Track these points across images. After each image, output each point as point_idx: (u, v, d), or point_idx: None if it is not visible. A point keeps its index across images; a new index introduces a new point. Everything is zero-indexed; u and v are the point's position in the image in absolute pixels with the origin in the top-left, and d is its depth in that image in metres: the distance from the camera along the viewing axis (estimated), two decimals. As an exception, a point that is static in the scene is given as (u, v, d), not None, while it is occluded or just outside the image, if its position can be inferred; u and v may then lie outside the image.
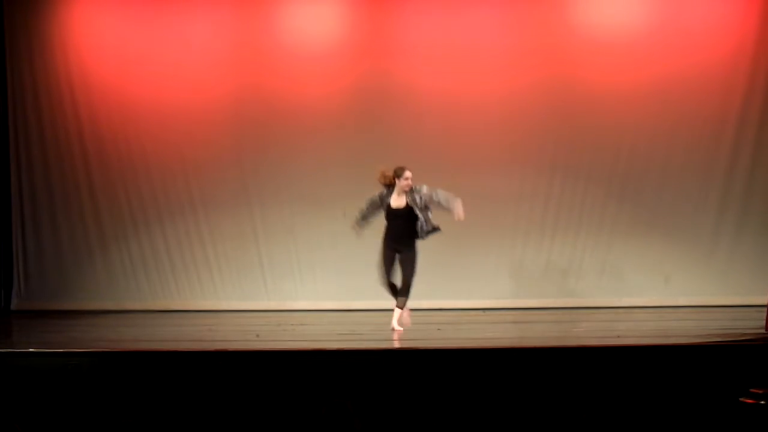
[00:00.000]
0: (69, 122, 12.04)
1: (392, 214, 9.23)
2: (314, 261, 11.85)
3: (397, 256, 9.27)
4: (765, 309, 8.88)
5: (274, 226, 11.93)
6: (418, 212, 9.11)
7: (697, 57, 11.45)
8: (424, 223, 9.12)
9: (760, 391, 6.68)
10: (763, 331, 8.76)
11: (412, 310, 11.26)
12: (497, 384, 7.41)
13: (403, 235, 9.19)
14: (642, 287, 11.54)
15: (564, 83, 11.55)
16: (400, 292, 9.30)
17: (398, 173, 9.21)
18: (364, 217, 9.46)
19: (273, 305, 11.81)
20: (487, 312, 10.78)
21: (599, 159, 11.63)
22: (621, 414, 6.94)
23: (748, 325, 9.24)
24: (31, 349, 8.23)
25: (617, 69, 11.53)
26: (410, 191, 9.19)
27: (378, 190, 9.46)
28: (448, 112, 11.65)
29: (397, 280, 9.37)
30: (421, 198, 9.14)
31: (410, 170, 9.28)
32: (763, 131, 11.45)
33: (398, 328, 9.29)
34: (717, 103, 11.46)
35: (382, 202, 9.34)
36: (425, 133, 11.67)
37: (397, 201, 9.25)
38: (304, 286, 11.87)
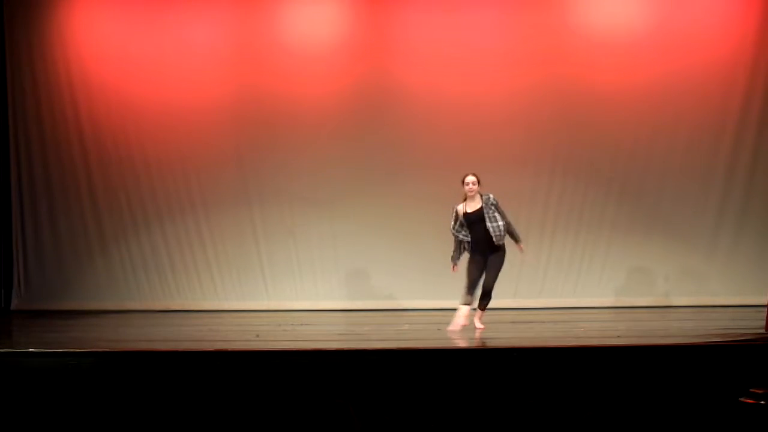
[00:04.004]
0: (69, 122, 12.05)
1: (469, 220, 9.36)
2: (314, 261, 11.85)
3: (487, 259, 9.35)
4: (765, 309, 8.87)
5: (274, 226, 11.93)
6: (486, 216, 9.27)
7: (697, 57, 11.46)
8: (497, 229, 9.26)
9: (760, 391, 6.68)
10: (763, 331, 8.76)
11: (410, 310, 11.32)
12: (497, 384, 7.41)
13: (486, 237, 9.29)
14: (642, 287, 11.54)
15: (564, 84, 11.55)
16: (484, 296, 9.38)
17: (462, 180, 9.41)
18: (457, 234, 9.44)
19: (273, 305, 11.81)
20: (487, 312, 10.78)
21: (599, 159, 11.64)
22: (621, 414, 6.94)
23: (748, 325, 9.24)
24: (31, 349, 8.22)
25: (617, 69, 11.54)
26: (479, 196, 9.36)
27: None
28: (448, 112, 11.65)
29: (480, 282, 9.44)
30: (489, 206, 9.30)
31: (473, 176, 9.39)
32: (763, 131, 11.46)
33: (480, 326, 9.41)
34: (717, 103, 11.46)
35: (457, 213, 9.44)
36: (425, 133, 11.68)
37: (470, 206, 9.38)
38: (304, 286, 11.87)
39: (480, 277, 9.32)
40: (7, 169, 12.19)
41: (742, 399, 6.74)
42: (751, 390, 6.74)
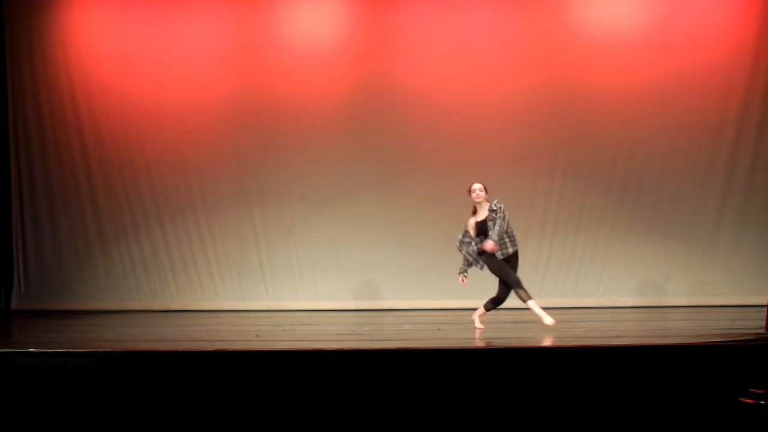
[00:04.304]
0: (69, 122, 12.06)
1: (481, 228, 9.29)
2: (314, 261, 11.86)
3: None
4: (765, 309, 8.87)
5: (274, 226, 11.93)
6: (489, 224, 9.18)
7: (697, 57, 11.46)
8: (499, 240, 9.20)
9: (760, 391, 6.68)
10: (763, 331, 8.76)
11: (410, 310, 11.30)
12: (497, 384, 7.41)
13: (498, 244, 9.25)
14: (642, 287, 11.54)
15: (564, 84, 11.56)
16: (496, 301, 9.37)
17: (468, 189, 9.31)
18: (460, 248, 9.35)
19: (273, 305, 11.82)
20: (487, 312, 10.78)
21: (599, 159, 11.64)
22: (621, 414, 6.94)
23: (748, 325, 9.23)
24: (31, 349, 8.22)
25: (617, 69, 11.54)
26: (486, 203, 9.27)
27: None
28: (448, 112, 11.65)
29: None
30: (491, 213, 9.22)
31: (479, 183, 9.26)
32: (763, 131, 11.46)
33: (480, 326, 9.43)
34: (717, 103, 11.47)
35: (467, 227, 9.35)
36: (425, 133, 11.68)
37: (480, 215, 9.31)
38: (304, 286, 11.88)
39: (511, 268, 9.27)
40: (7, 169, 12.20)
41: (742, 399, 6.74)
42: (751, 390, 6.74)
